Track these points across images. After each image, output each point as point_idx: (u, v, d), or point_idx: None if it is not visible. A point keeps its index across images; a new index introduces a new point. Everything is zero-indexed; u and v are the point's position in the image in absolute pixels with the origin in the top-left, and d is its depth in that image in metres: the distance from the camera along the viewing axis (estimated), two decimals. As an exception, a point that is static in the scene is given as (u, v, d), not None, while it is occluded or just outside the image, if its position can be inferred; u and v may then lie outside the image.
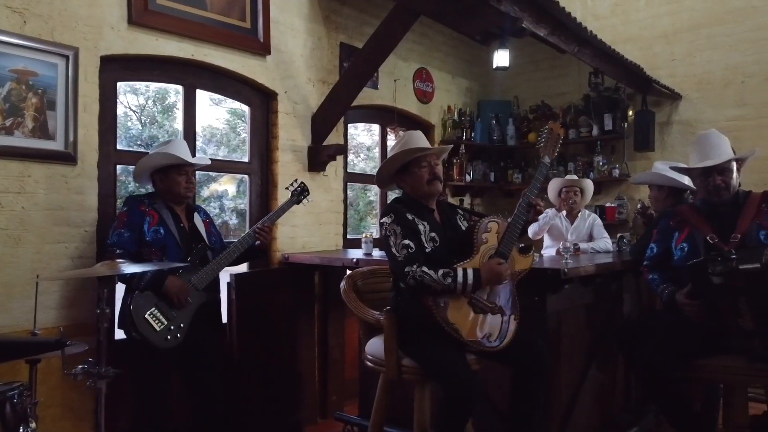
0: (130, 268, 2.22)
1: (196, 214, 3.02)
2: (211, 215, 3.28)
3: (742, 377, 2.55)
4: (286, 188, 3.31)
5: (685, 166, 3.01)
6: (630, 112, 5.09)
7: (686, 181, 3.42)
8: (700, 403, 2.82)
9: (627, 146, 5.14)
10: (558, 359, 2.98)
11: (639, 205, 3.62)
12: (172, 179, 2.88)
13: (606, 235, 4.31)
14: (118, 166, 3.37)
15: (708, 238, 2.58)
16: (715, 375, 2.64)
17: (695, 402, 2.77)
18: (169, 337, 2.67)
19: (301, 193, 3.27)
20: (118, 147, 3.31)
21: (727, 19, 4.73)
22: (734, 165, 2.66)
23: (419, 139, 2.62)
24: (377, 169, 2.71)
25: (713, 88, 4.81)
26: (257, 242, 3.05)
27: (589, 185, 4.41)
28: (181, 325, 2.72)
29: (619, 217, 5.15)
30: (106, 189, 3.13)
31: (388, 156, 2.63)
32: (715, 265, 2.35)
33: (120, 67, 3.23)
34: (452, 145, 3.20)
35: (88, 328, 2.92)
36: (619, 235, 4.14)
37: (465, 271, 2.33)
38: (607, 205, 5.18)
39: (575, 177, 4.45)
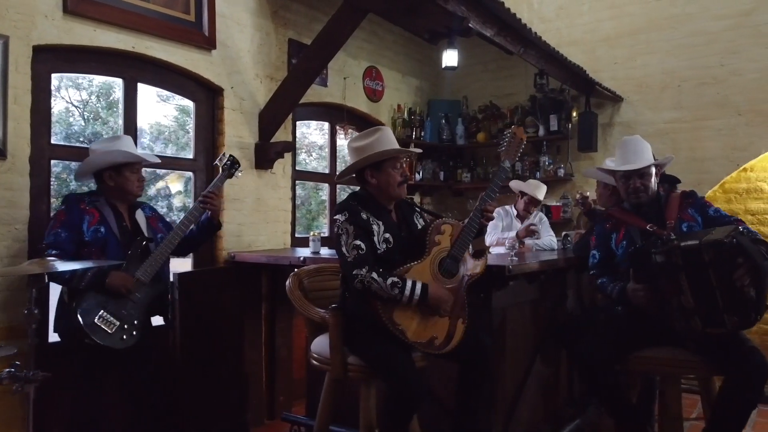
0: (62, 266, 2.12)
1: (138, 211, 2.92)
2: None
3: (675, 369, 2.66)
4: (215, 163, 3.17)
5: (612, 166, 3.20)
6: (574, 113, 5.22)
7: None
8: (637, 396, 2.92)
9: (571, 146, 5.27)
10: (503, 355, 3.03)
11: (578, 195, 3.68)
12: (125, 177, 2.78)
13: (551, 233, 4.42)
14: (54, 162, 3.23)
15: (648, 227, 2.73)
16: (650, 367, 2.74)
17: (632, 394, 2.86)
18: (125, 336, 2.59)
19: (231, 166, 3.07)
20: (53, 141, 3.16)
21: (664, 25, 4.91)
22: (653, 170, 2.84)
23: (394, 138, 2.58)
24: (353, 161, 2.55)
25: (652, 91, 4.98)
26: (207, 214, 2.95)
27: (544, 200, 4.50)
28: (135, 322, 2.64)
29: (564, 216, 5.28)
30: (39, 185, 2.99)
31: (360, 147, 2.52)
32: (657, 246, 2.50)
33: (54, 58, 3.09)
34: (420, 150, 3.13)
35: (18, 331, 2.79)
36: (564, 233, 4.25)
37: (414, 284, 2.31)
38: (553, 204, 5.30)
39: (542, 193, 4.43)
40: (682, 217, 2.75)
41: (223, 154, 3.13)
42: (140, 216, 2.90)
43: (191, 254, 3.50)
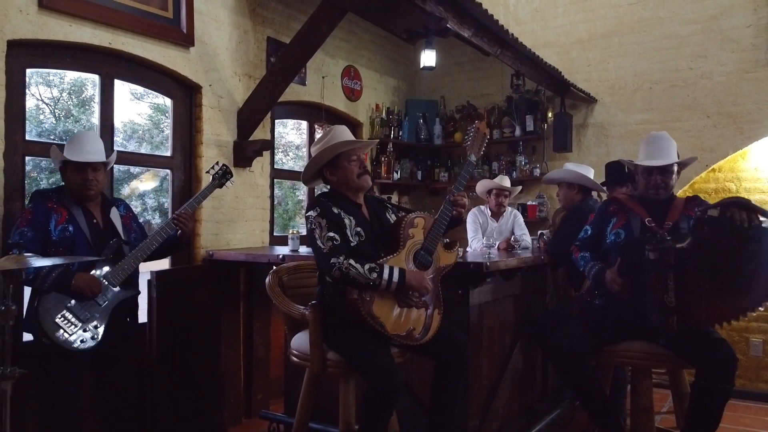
0: (38, 262, 2.10)
1: (113, 209, 2.82)
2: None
3: (646, 361, 2.74)
4: (207, 172, 3.18)
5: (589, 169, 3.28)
6: (549, 114, 5.30)
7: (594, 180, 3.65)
8: (608, 390, 2.99)
9: (546, 147, 5.36)
10: (480, 351, 3.07)
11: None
12: (69, 176, 2.68)
13: (526, 231, 4.50)
14: (28, 158, 3.18)
15: (646, 221, 2.78)
16: (622, 359, 2.81)
17: (605, 388, 2.93)
18: (83, 338, 2.52)
19: (223, 176, 3.09)
20: (28, 138, 3.12)
21: (636, 28, 5.02)
22: (675, 168, 2.89)
23: (345, 133, 2.61)
24: (305, 165, 2.66)
25: (624, 93, 5.09)
26: (178, 232, 2.90)
27: (516, 190, 4.62)
28: (97, 325, 2.57)
29: (539, 215, 5.36)
30: (12, 181, 2.95)
31: (316, 149, 2.60)
32: (653, 242, 2.54)
33: (29, 53, 3.05)
34: (378, 140, 3.23)
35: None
36: (539, 232, 4.31)
37: (391, 269, 2.35)
38: (529, 203, 5.38)
39: (507, 183, 4.55)
40: (689, 214, 2.79)
41: (216, 163, 3.15)
42: (115, 215, 2.81)
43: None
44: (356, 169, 2.55)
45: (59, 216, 2.60)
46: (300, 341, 2.63)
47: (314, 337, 2.47)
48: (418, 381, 2.91)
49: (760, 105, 4.52)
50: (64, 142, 2.76)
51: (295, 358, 2.65)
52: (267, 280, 2.72)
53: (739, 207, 2.44)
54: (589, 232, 3.02)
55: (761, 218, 2.44)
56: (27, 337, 3.05)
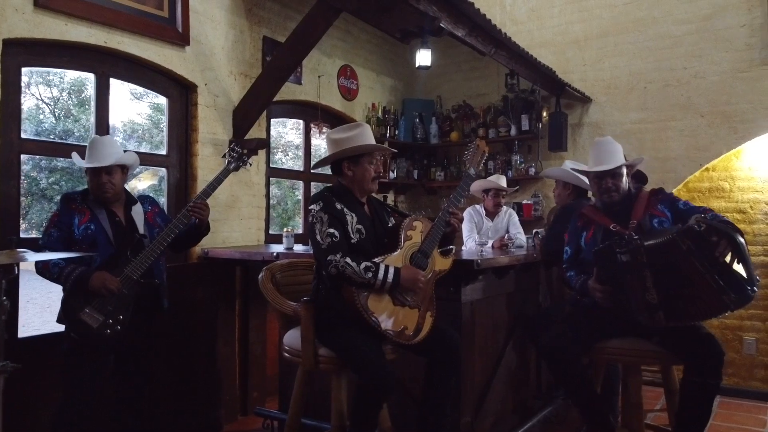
0: (32, 257, 2.13)
1: (136, 206, 2.93)
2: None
3: (637, 358, 2.76)
4: (223, 156, 3.15)
5: (586, 167, 3.30)
6: (544, 114, 5.32)
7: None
8: (600, 387, 3.01)
9: (542, 146, 5.38)
10: (472, 348, 3.10)
11: None
12: (88, 179, 2.82)
13: (521, 229, 4.52)
14: (26, 157, 3.21)
15: (611, 227, 2.83)
16: (614, 357, 2.84)
17: (596, 386, 2.95)
18: (108, 330, 2.61)
19: (239, 158, 3.06)
20: (23, 136, 3.15)
21: (631, 28, 5.05)
22: (624, 170, 2.93)
23: (372, 135, 2.67)
24: (331, 152, 2.64)
25: (619, 93, 5.12)
26: (195, 220, 2.96)
27: (510, 190, 4.67)
28: (120, 316, 2.65)
29: (535, 214, 5.38)
30: (8, 179, 2.98)
31: (341, 138, 2.60)
32: (622, 245, 2.57)
33: (25, 52, 3.07)
34: (396, 150, 3.35)
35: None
36: (534, 231, 4.33)
37: (387, 268, 2.38)
38: (524, 202, 5.40)
39: (503, 182, 4.58)
40: (653, 213, 2.83)
41: (236, 145, 3.11)
42: (137, 211, 2.91)
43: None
44: (373, 173, 2.61)
45: (82, 216, 2.74)
46: (292, 338, 2.65)
47: (306, 334, 2.49)
48: (410, 376, 2.93)
49: (753, 104, 4.54)
50: (64, 141, 2.81)
51: (287, 355, 2.67)
52: (260, 276, 2.74)
53: (728, 242, 2.43)
54: (570, 252, 3.06)
55: (737, 265, 2.45)
56: (22, 333, 3.10)
